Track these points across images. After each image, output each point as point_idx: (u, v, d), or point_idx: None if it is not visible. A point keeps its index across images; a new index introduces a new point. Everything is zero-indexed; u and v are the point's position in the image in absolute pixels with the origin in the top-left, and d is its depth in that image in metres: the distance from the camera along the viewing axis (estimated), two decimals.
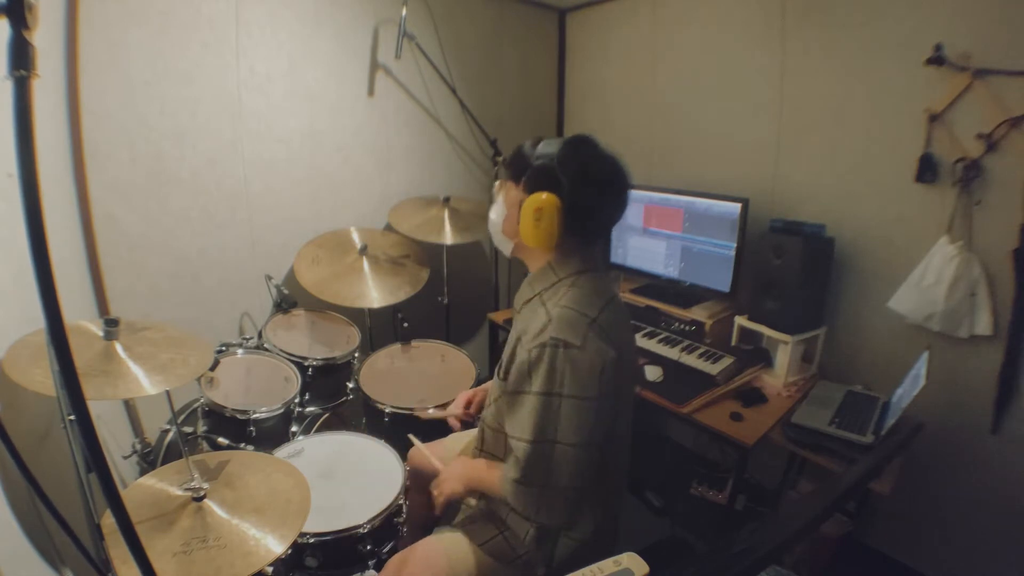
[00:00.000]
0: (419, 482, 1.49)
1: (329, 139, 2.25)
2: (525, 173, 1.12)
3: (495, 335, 2.61)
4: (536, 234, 1.10)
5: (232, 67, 1.94)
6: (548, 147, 1.12)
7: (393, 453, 1.53)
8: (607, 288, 1.16)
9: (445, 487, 1.24)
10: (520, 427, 1.07)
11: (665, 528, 2.15)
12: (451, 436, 1.55)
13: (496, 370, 1.22)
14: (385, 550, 1.36)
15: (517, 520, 1.18)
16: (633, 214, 2.39)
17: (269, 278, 2.07)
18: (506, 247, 1.25)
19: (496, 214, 1.23)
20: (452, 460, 1.33)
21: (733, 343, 2.05)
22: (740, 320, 2.01)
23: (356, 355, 2.00)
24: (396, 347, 2.12)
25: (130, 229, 1.81)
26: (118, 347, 1.13)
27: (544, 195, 1.08)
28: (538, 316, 1.10)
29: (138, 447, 1.73)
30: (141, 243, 1.84)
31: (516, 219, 1.14)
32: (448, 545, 1.21)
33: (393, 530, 1.39)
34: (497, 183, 1.25)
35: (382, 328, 2.29)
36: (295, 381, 1.78)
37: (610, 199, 1.13)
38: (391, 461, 1.50)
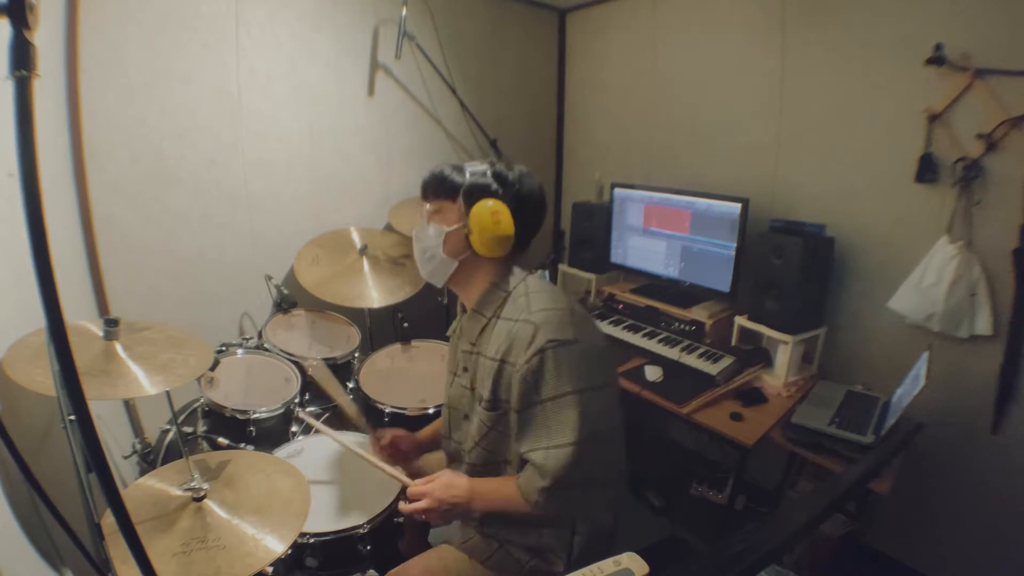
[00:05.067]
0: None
1: (329, 139, 2.25)
2: (459, 190, 1.12)
3: None
4: (497, 238, 1.09)
5: (232, 67, 1.94)
6: (475, 167, 1.14)
7: None
8: (555, 286, 1.19)
9: (441, 520, 1.15)
10: (537, 440, 1.04)
11: (665, 528, 2.15)
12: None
13: (476, 403, 1.16)
14: (385, 550, 1.36)
15: (519, 531, 1.17)
16: (633, 214, 2.39)
17: (269, 278, 2.07)
18: (445, 272, 1.18)
19: (432, 236, 1.16)
20: (440, 479, 1.15)
21: (733, 343, 2.05)
22: (740, 320, 2.01)
23: (356, 355, 2.00)
24: (396, 347, 2.12)
25: (130, 229, 1.81)
26: (118, 347, 1.13)
27: (491, 201, 1.10)
28: (514, 331, 1.07)
29: (138, 447, 1.73)
30: (141, 243, 1.84)
31: (461, 234, 1.13)
32: (448, 564, 1.20)
33: (393, 530, 1.39)
34: (425, 211, 1.18)
35: (382, 328, 2.29)
36: (295, 381, 1.78)
37: (539, 208, 1.17)
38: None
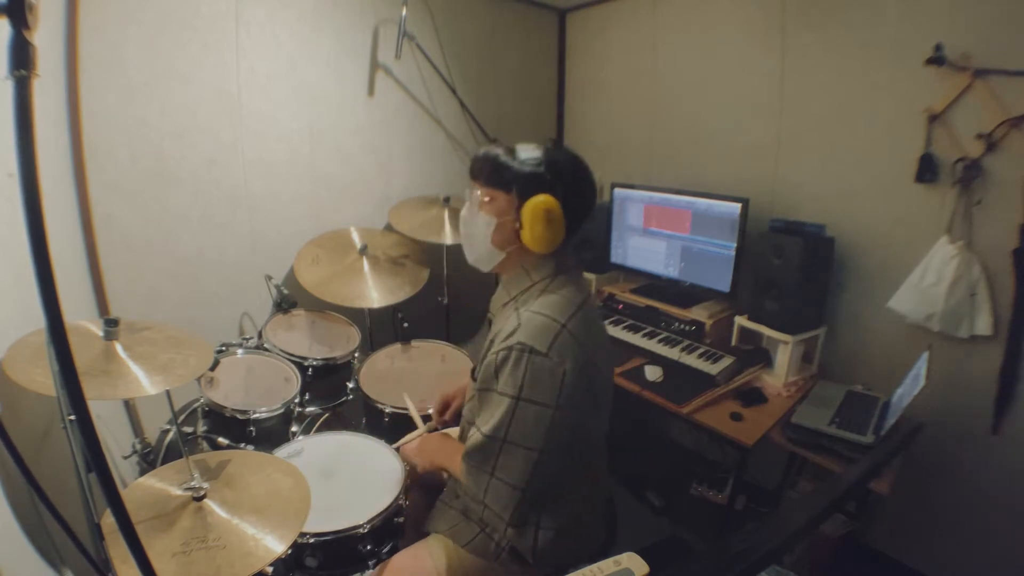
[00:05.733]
0: (419, 480, 1.49)
1: (329, 139, 2.25)
2: (515, 180, 1.10)
3: None
4: (547, 237, 1.09)
5: (232, 67, 1.94)
6: (529, 152, 1.11)
7: (393, 453, 1.53)
8: (580, 291, 1.17)
9: (418, 461, 1.34)
10: (482, 420, 1.11)
11: (665, 528, 2.15)
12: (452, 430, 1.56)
13: (472, 371, 1.24)
14: (385, 550, 1.36)
15: (491, 516, 1.19)
16: (633, 214, 2.39)
17: (269, 278, 2.07)
18: (491, 261, 1.19)
19: (482, 225, 1.15)
20: (433, 435, 1.41)
21: (733, 343, 2.05)
22: (740, 320, 2.01)
23: (356, 355, 2.00)
24: (396, 347, 2.11)
25: (130, 229, 1.80)
26: (118, 347, 1.13)
27: (543, 197, 1.08)
28: (510, 320, 1.11)
29: (138, 447, 1.72)
30: (141, 243, 1.84)
31: (511, 227, 1.12)
32: (433, 549, 1.23)
33: (393, 530, 1.39)
34: (476, 197, 1.17)
35: (382, 328, 2.29)
36: (295, 381, 1.78)
37: (591, 197, 1.18)
38: (391, 461, 1.49)
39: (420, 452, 1.34)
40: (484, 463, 1.10)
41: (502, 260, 1.18)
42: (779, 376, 1.89)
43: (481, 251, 1.18)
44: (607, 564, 0.68)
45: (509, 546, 1.19)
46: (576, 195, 1.12)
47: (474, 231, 1.17)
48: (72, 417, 0.88)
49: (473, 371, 1.22)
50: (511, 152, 1.12)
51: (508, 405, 1.05)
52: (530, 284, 1.16)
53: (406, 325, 2.19)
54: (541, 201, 1.07)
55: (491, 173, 1.13)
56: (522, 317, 1.08)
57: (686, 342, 2.07)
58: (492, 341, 1.14)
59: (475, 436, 1.11)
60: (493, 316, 1.27)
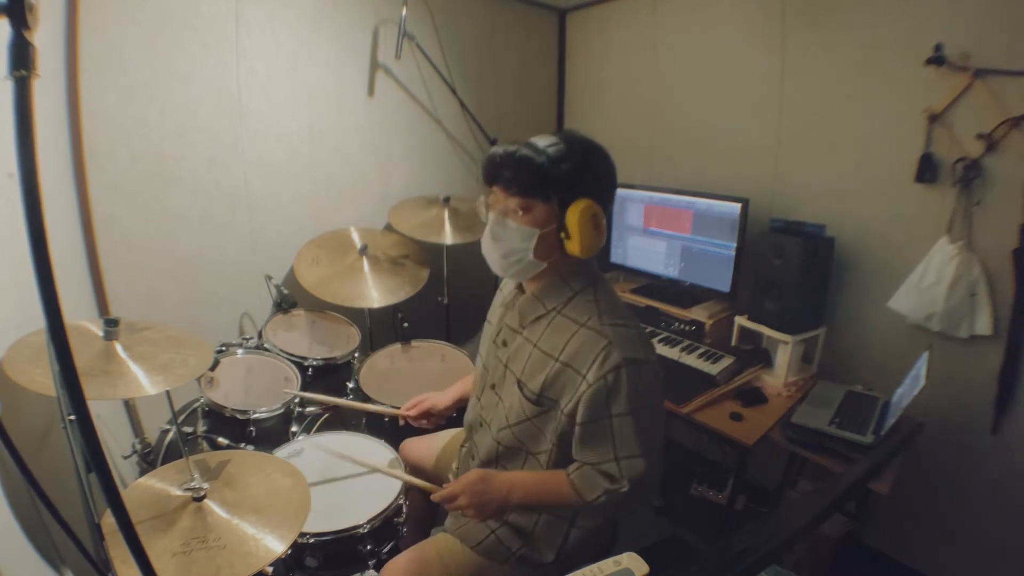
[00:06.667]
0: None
1: (329, 139, 2.25)
2: (554, 188, 1.03)
3: None
4: (595, 243, 1.05)
5: (232, 67, 1.94)
6: (555, 147, 1.04)
7: (393, 453, 1.53)
8: (618, 295, 1.18)
9: (480, 514, 1.13)
10: (619, 448, 1.04)
11: (665, 528, 2.15)
12: (440, 433, 1.56)
13: (515, 387, 1.14)
14: (385, 550, 1.36)
15: (520, 515, 1.19)
16: (633, 214, 2.39)
17: (269, 278, 2.07)
18: (531, 273, 1.11)
19: (521, 238, 1.06)
20: (468, 477, 1.15)
21: (733, 343, 2.05)
22: (740, 320, 2.01)
23: (356, 355, 2.00)
24: (396, 347, 2.12)
25: (130, 229, 1.81)
26: (118, 347, 1.13)
27: (586, 202, 1.03)
28: (582, 338, 1.05)
29: (138, 447, 1.73)
30: (141, 243, 1.84)
31: (555, 237, 1.06)
32: (442, 550, 1.21)
33: (393, 530, 1.39)
34: (507, 207, 1.08)
35: (382, 328, 2.29)
36: (295, 381, 1.78)
37: (615, 187, 1.14)
38: (391, 461, 1.49)
39: (481, 507, 1.11)
40: (645, 482, 1.06)
41: (543, 271, 1.11)
42: (779, 376, 1.89)
43: (522, 265, 1.09)
44: (607, 564, 0.68)
45: (520, 552, 1.18)
46: (608, 191, 1.10)
47: (512, 245, 1.08)
48: (72, 417, 0.88)
49: (522, 388, 1.12)
50: (537, 151, 1.04)
51: (639, 419, 1.04)
52: (572, 294, 1.10)
53: (406, 325, 2.19)
54: (586, 207, 1.02)
55: (526, 182, 1.04)
56: (605, 332, 1.03)
57: (686, 342, 2.07)
58: (567, 365, 1.05)
59: (630, 465, 1.04)
60: (519, 329, 1.18)
